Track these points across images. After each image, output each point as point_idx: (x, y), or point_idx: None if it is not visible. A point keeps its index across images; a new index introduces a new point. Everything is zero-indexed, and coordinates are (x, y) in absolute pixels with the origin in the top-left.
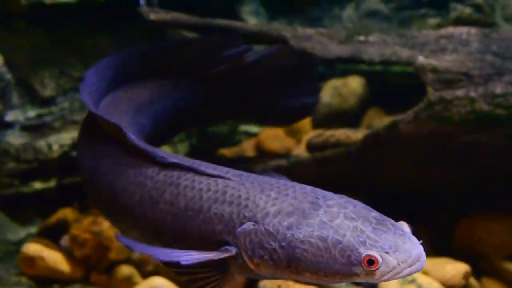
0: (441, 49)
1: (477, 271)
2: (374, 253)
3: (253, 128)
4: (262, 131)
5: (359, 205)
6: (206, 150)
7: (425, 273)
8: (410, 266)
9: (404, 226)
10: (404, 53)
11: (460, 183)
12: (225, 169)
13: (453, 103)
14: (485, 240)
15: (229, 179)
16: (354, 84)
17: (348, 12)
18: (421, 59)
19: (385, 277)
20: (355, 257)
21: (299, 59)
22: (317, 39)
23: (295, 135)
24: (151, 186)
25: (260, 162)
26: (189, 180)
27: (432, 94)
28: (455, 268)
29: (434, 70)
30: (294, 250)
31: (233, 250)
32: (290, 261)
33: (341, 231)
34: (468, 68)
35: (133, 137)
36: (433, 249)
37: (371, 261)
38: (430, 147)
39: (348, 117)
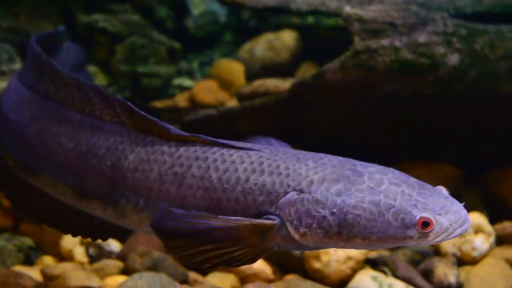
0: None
1: None
2: (428, 215)
3: (187, 81)
4: (195, 84)
5: (396, 171)
6: (138, 103)
7: None
8: (460, 226)
9: (443, 189)
10: (332, 3)
11: (386, 131)
12: (247, 143)
13: (378, 52)
14: None
15: (259, 150)
16: (287, 37)
17: None
18: (347, 9)
19: (438, 239)
20: (410, 220)
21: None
22: None
23: (229, 88)
24: (172, 162)
25: (191, 112)
26: (217, 153)
27: (358, 43)
28: None
29: (360, 19)
30: (346, 216)
31: (276, 221)
32: (341, 227)
33: (391, 195)
34: (393, 18)
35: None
36: None
37: (426, 223)
38: (357, 95)
39: (281, 70)
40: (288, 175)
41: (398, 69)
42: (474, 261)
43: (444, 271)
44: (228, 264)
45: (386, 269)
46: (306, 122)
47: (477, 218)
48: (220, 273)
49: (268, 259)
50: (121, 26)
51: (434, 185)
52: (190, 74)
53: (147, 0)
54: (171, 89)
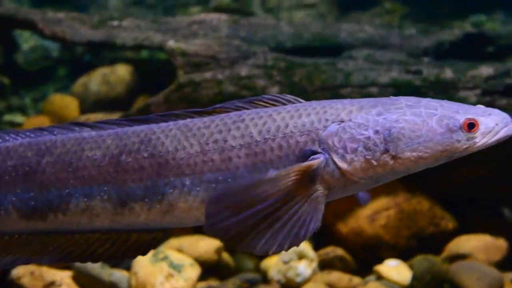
0: (193, 34)
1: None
2: (472, 116)
3: (19, 118)
4: (27, 121)
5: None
6: None
7: (179, 250)
8: (506, 126)
9: (482, 106)
10: (157, 37)
11: None
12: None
13: (202, 85)
14: None
15: (294, 103)
16: (122, 71)
17: (114, 1)
18: (171, 43)
19: (485, 139)
20: (454, 124)
21: None
22: (68, 24)
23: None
24: (210, 132)
25: None
26: (252, 113)
27: (182, 76)
28: (208, 244)
29: (183, 53)
30: (390, 131)
31: (321, 157)
32: (387, 143)
33: (432, 107)
34: (216, 51)
35: None
36: (191, 228)
37: (471, 125)
38: None
39: (116, 104)
40: (325, 112)
41: (221, 101)
42: (298, 287)
43: None
44: (298, 237)
45: None
46: None
47: (301, 244)
48: None
49: None
50: None
51: None
52: (22, 110)
53: None
54: (2, 126)
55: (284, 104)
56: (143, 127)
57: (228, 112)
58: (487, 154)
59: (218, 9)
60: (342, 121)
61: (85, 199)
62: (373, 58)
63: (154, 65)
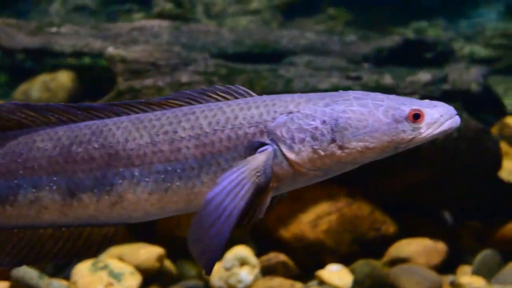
0: (133, 40)
1: (175, 254)
2: (417, 107)
3: None
4: None
5: None
6: None
7: (120, 258)
8: (450, 118)
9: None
10: (97, 44)
11: None
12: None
13: (142, 92)
14: (182, 224)
15: (243, 95)
16: (64, 78)
17: (56, 6)
18: (110, 50)
19: (430, 130)
20: (400, 114)
21: None
22: (3, 29)
23: None
24: (161, 123)
25: None
26: (203, 106)
27: (122, 83)
28: (149, 252)
29: (123, 60)
30: (337, 121)
31: (269, 148)
32: (334, 133)
33: (379, 99)
34: (156, 58)
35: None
36: (134, 235)
37: (417, 115)
38: None
39: None
40: (274, 104)
41: None
42: None
43: None
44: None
45: None
46: None
47: (242, 251)
48: None
49: None
50: None
51: None
52: None
53: None
54: None
55: (236, 97)
56: (97, 120)
57: (180, 102)
58: (427, 159)
59: (161, 16)
60: (291, 113)
61: (34, 190)
62: (313, 65)
63: (97, 72)
